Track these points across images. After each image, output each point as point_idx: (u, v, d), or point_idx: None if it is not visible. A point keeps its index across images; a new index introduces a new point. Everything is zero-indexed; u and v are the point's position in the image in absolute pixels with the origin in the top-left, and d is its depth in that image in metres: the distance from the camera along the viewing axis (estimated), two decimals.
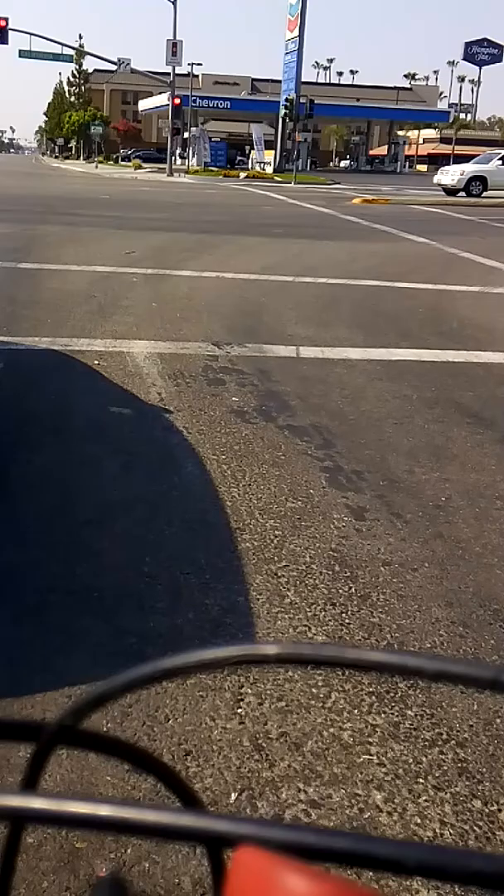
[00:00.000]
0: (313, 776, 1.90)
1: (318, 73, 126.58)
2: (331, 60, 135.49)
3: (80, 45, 57.17)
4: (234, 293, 8.20)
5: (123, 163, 60.00)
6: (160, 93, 53.56)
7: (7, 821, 0.37)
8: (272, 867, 0.29)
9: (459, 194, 27.98)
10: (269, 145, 49.85)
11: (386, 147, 70.19)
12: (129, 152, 65.98)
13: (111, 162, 62.41)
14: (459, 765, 1.96)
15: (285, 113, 39.97)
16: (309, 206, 21.10)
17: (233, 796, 1.83)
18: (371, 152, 76.76)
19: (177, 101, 40.36)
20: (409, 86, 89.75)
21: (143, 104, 67.78)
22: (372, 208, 21.72)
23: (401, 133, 68.86)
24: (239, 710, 2.11)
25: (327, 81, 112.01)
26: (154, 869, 1.63)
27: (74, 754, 1.86)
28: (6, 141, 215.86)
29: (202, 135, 49.89)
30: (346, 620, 2.58)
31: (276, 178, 39.69)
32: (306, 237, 13.62)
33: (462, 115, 71.10)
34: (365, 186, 33.12)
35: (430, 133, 77.97)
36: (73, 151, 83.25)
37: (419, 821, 1.79)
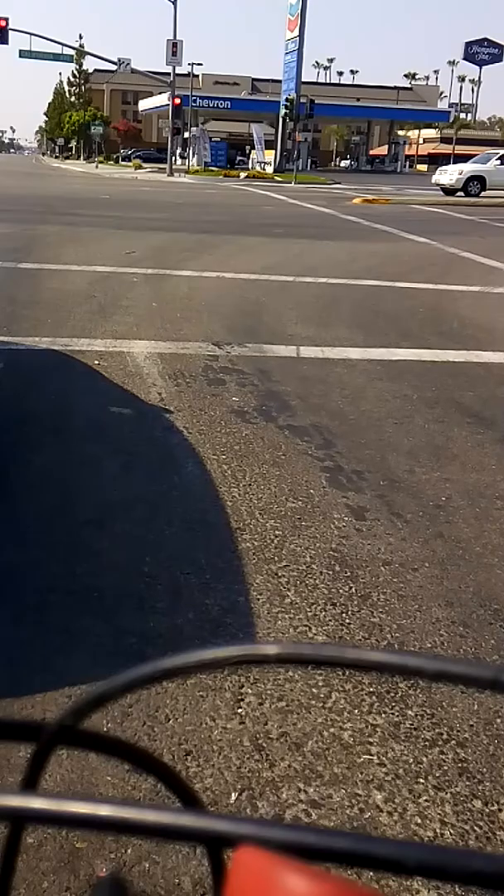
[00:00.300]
0: (314, 776, 1.90)
1: (318, 73, 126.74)
2: (331, 60, 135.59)
3: (81, 45, 57.22)
4: (235, 293, 8.20)
5: (124, 163, 60.04)
6: (160, 93, 53.56)
7: (7, 821, 0.37)
8: (272, 867, 0.29)
9: (458, 194, 27.97)
10: (270, 145, 49.87)
11: (386, 147, 70.19)
12: (130, 152, 66.02)
13: (111, 162, 62.44)
14: (460, 765, 1.96)
15: (285, 113, 39.96)
16: (309, 206, 21.10)
17: (233, 796, 1.83)
18: (371, 152, 76.76)
19: (177, 101, 40.38)
20: (409, 85, 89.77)
21: (144, 104, 67.79)
22: (372, 208, 21.72)
23: (401, 133, 68.88)
24: (239, 710, 2.11)
25: (327, 81, 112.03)
26: (154, 869, 1.63)
27: (74, 754, 1.86)
28: (6, 141, 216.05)
29: (202, 135, 49.89)
30: (347, 620, 2.58)
31: (277, 177, 39.69)
32: (307, 237, 13.62)
33: (462, 115, 71.22)
34: (365, 186, 33.11)
35: (430, 133, 77.97)
36: (74, 151, 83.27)
37: (419, 821, 1.79)
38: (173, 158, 43.19)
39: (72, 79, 79.77)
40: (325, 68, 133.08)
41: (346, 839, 0.29)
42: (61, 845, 1.67)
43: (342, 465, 3.86)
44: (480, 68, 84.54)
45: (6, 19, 33.33)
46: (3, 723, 0.39)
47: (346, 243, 13.04)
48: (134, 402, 4.62)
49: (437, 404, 4.90)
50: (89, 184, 30.99)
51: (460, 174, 28.55)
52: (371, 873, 0.33)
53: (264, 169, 46.31)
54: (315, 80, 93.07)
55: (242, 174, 41.08)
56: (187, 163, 48.15)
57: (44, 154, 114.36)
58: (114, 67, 41.17)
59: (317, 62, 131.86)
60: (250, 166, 49.21)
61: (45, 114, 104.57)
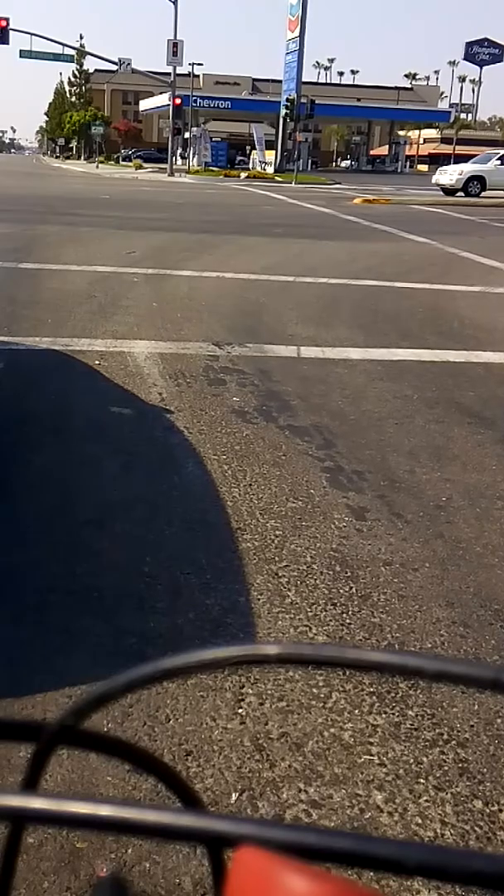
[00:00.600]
0: (314, 776, 1.90)
1: (318, 73, 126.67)
2: (331, 60, 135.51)
3: (81, 46, 57.15)
4: (235, 293, 8.20)
5: (124, 163, 60.04)
6: (161, 93, 53.58)
7: (7, 821, 0.37)
8: (273, 867, 0.29)
9: (458, 194, 27.97)
10: (270, 145, 49.85)
11: (387, 147, 70.17)
12: (130, 152, 66.01)
13: (112, 162, 62.45)
14: (460, 765, 1.96)
15: (286, 113, 39.95)
16: (309, 206, 21.10)
17: (233, 796, 1.83)
18: (372, 152, 76.77)
19: (177, 101, 40.40)
20: (409, 86, 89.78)
21: (144, 104, 67.79)
22: (372, 208, 21.72)
23: (401, 133, 68.86)
24: (240, 711, 2.11)
25: (328, 81, 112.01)
26: (155, 869, 1.63)
27: (75, 754, 1.86)
28: (7, 141, 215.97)
29: (203, 135, 49.90)
30: (347, 620, 2.58)
31: (277, 178, 39.69)
32: (307, 237, 13.62)
33: (463, 115, 71.26)
34: (365, 186, 33.11)
35: (430, 133, 77.97)
36: (74, 151, 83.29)
37: (420, 821, 1.79)
38: (174, 158, 43.19)
39: (72, 79, 79.79)
40: (326, 68, 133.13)
41: (347, 839, 0.29)
42: (62, 845, 1.67)
43: (343, 466, 3.86)
44: (481, 68, 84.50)
45: (7, 19, 33.37)
46: (3, 723, 0.39)
47: (347, 243, 13.04)
48: (134, 402, 4.62)
49: (437, 404, 4.90)
50: (90, 184, 30.99)
51: (460, 174, 28.55)
52: (371, 873, 0.33)
53: (265, 169, 46.31)
54: (315, 81, 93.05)
55: (243, 174, 41.08)
56: (188, 163, 48.15)
57: (44, 154, 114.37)
58: (114, 67, 41.20)
59: (317, 62, 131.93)
60: (251, 166, 49.22)
61: (45, 114, 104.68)
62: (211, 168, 46.45)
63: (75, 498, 3.40)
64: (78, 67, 75.74)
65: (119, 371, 5.19)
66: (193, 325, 6.64)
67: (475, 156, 31.70)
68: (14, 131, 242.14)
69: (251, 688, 2.19)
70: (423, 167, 71.29)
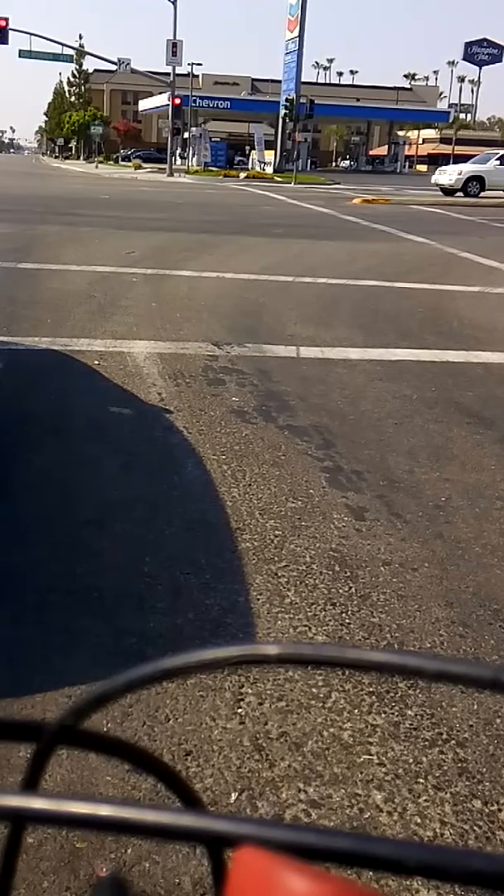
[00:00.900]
0: (313, 776, 1.90)
1: (318, 74, 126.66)
2: (331, 60, 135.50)
3: (81, 45, 57.13)
4: (235, 293, 8.20)
5: (123, 163, 60.01)
6: (160, 93, 53.55)
7: (7, 821, 0.37)
8: (272, 867, 0.29)
9: (457, 194, 27.97)
10: (269, 145, 49.85)
11: (386, 147, 70.18)
12: (130, 152, 65.99)
13: (111, 162, 62.43)
14: (459, 765, 1.96)
15: (285, 113, 39.96)
16: (309, 207, 21.10)
17: (233, 796, 1.83)
18: (371, 152, 76.75)
19: (177, 101, 40.36)
20: (408, 86, 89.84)
21: (144, 104, 67.76)
22: (372, 208, 21.72)
23: (401, 133, 68.87)
24: (239, 710, 2.11)
25: (327, 81, 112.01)
26: (154, 869, 1.63)
27: (75, 754, 1.86)
28: (6, 141, 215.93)
29: (202, 135, 49.89)
30: (347, 620, 2.58)
31: (277, 178, 39.69)
32: (306, 237, 13.62)
33: (462, 116, 71.15)
34: (365, 186, 33.11)
35: (429, 133, 77.97)
36: (74, 151, 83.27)
37: (419, 821, 1.79)
38: (173, 158, 43.17)
39: (72, 79, 79.76)
40: (325, 69, 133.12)
41: (347, 839, 0.29)
42: (61, 845, 1.67)
43: (342, 466, 3.86)
44: (480, 69, 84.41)
45: (6, 19, 33.33)
46: (3, 723, 0.39)
47: (346, 243, 13.04)
48: (134, 402, 4.62)
49: (436, 404, 4.90)
50: (89, 184, 30.98)
51: (460, 174, 28.54)
52: (371, 873, 0.33)
53: (264, 169, 46.31)
54: (315, 81, 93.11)
55: (242, 174, 41.08)
56: (187, 163, 48.14)
57: (44, 154, 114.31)
58: (114, 67, 41.18)
59: (316, 62, 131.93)
60: (250, 166, 49.21)
61: (45, 114, 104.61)
62: (210, 168, 46.43)
63: (75, 498, 3.40)
64: (77, 67, 75.72)
65: (118, 371, 5.19)
66: (193, 325, 6.63)
67: (474, 156, 31.69)
68: (13, 131, 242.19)
69: (251, 688, 2.19)
70: (423, 167, 71.35)
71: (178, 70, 40.91)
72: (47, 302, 7.21)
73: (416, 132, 77.05)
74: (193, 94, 50.63)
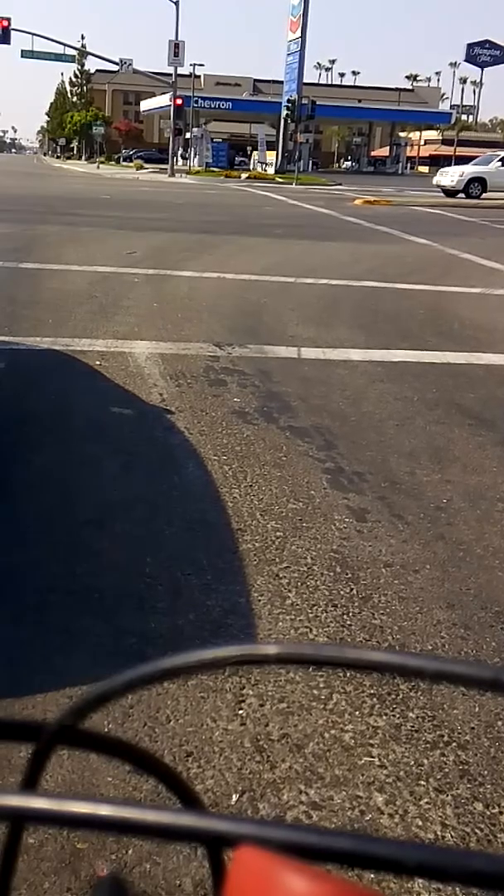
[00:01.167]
0: (314, 778, 1.90)
1: (319, 74, 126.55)
2: (332, 61, 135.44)
3: (83, 46, 57.13)
4: (236, 294, 8.21)
5: (125, 163, 60.07)
6: (162, 93, 53.58)
7: (7, 821, 0.37)
8: (273, 867, 0.29)
9: (459, 196, 27.97)
10: (271, 146, 49.85)
11: (387, 148, 70.18)
12: (131, 153, 66.02)
13: (112, 162, 62.49)
14: (461, 767, 1.96)
15: (287, 114, 39.95)
16: (310, 207, 21.10)
17: (234, 798, 1.83)
18: (373, 153, 76.75)
19: (178, 101, 40.39)
20: (410, 87, 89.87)
21: (145, 104, 67.81)
22: (373, 209, 21.73)
23: (402, 134, 68.87)
24: (240, 712, 2.11)
25: (329, 82, 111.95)
26: (155, 870, 1.63)
27: (75, 754, 1.86)
28: (8, 141, 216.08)
29: (204, 135, 49.93)
30: (348, 622, 2.58)
31: (278, 178, 39.67)
32: (308, 238, 13.62)
33: (464, 117, 71.35)
34: (366, 188, 33.11)
35: (431, 134, 77.98)
36: (75, 152, 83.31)
37: (420, 823, 1.79)
38: (174, 159, 43.19)
39: (73, 79, 79.89)
40: (327, 69, 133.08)
41: (347, 839, 0.29)
42: (62, 846, 1.67)
43: (343, 467, 3.86)
44: (482, 70, 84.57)
45: (8, 19, 33.40)
46: (3, 723, 0.39)
47: (347, 244, 13.04)
48: (135, 402, 4.62)
49: (437, 406, 4.90)
50: (90, 184, 31.00)
51: (461, 176, 28.54)
52: (372, 874, 0.33)
53: (265, 170, 46.31)
54: (316, 82, 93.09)
55: (243, 175, 41.08)
56: (188, 163, 48.16)
57: (45, 154, 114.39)
58: (115, 68, 41.24)
59: (318, 63, 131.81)
60: (251, 167, 49.22)
61: (46, 114, 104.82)
62: (211, 168, 46.45)
63: (75, 498, 3.40)
64: (79, 68, 75.80)
65: (119, 371, 5.19)
66: (194, 326, 6.64)
67: (476, 157, 31.70)
68: (15, 131, 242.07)
69: (252, 689, 2.19)
70: (424, 168, 71.29)
71: (180, 70, 40.97)
72: (48, 302, 7.22)
73: (417, 133, 77.06)
74: (195, 94, 50.66)
